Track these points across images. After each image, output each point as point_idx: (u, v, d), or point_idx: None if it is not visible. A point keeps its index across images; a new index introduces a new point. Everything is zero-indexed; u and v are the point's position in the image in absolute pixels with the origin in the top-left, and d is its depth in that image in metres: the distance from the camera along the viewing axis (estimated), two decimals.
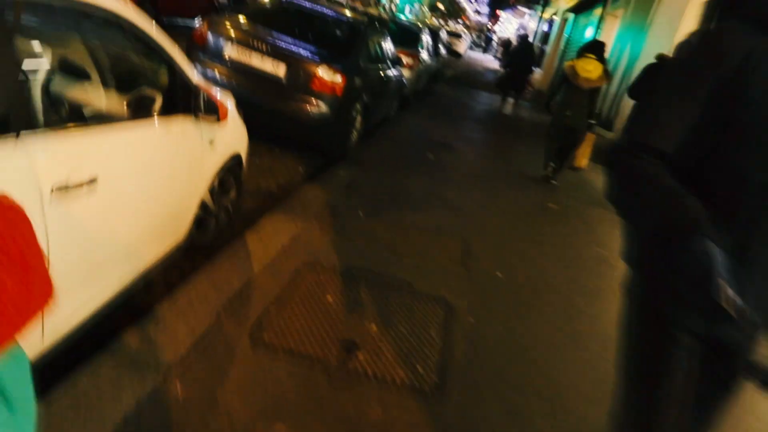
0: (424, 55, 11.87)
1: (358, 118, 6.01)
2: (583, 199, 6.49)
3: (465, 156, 7.18)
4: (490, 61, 29.21)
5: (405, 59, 10.20)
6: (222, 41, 5.14)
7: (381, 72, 6.91)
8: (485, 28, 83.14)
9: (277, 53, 5.11)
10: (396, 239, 3.82)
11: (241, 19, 5.61)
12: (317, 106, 5.13)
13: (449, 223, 4.46)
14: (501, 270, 3.76)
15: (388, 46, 7.43)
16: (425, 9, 77.58)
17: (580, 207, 6.11)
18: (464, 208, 4.95)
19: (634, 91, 6.48)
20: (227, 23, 5.34)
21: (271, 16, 5.98)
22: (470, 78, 20.12)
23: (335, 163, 5.49)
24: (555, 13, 23.29)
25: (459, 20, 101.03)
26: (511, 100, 13.21)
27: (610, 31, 12.39)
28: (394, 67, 7.72)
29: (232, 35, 5.17)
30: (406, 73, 10.00)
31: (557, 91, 6.33)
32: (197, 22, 5.38)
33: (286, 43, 5.36)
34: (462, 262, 3.73)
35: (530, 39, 15.49)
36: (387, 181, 5.19)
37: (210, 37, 5.18)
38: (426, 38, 12.36)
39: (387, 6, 53.83)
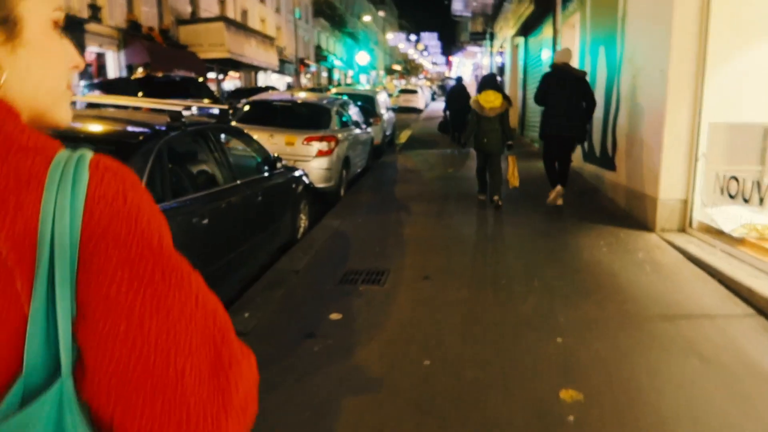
0: (355, 130, 9.34)
1: None
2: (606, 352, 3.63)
3: (400, 293, 4.34)
4: None
5: (316, 146, 7.64)
6: None
7: (218, 204, 4.21)
8: (443, 77, 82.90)
9: None
10: None
11: None
12: None
13: None
14: None
15: (224, 154, 4.74)
16: (381, 74, 77.27)
17: (613, 398, 3.22)
18: None
19: (538, 98, 7.10)
20: None
21: None
22: (427, 133, 17.68)
23: None
24: (503, 43, 21.26)
25: (420, 76, 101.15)
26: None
27: (572, 44, 9.88)
28: (272, 174, 5.05)
29: None
30: (316, 164, 7.39)
31: (474, 128, 7.10)
32: None
33: None
34: None
35: (463, 80, 15.78)
36: None
37: None
38: (348, 110, 9.79)
39: (341, 82, 52.80)
